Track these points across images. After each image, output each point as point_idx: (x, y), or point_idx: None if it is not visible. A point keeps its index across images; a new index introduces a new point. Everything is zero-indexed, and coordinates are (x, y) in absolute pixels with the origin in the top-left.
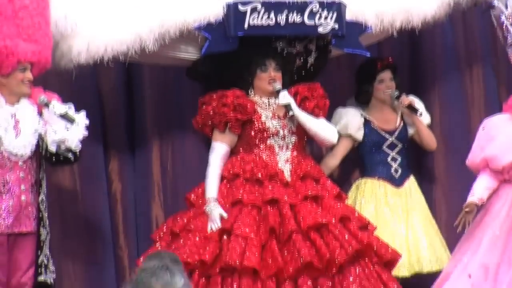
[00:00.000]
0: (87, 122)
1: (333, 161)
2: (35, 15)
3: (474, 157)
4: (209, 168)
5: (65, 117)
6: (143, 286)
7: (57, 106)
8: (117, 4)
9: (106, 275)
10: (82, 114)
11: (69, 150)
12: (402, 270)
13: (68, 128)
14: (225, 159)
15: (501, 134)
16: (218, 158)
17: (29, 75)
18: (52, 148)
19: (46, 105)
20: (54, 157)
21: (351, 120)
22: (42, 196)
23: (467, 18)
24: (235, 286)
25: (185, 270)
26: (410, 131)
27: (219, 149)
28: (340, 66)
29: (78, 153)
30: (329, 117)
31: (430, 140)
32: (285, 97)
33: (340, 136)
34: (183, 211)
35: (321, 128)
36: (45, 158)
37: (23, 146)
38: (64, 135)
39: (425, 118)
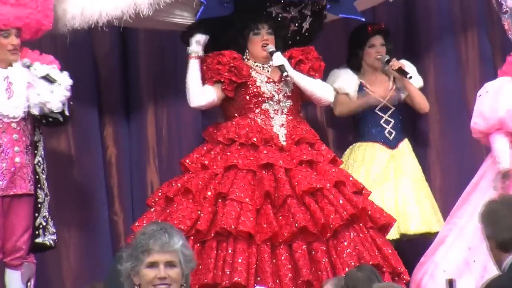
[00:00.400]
0: (70, 82)
1: (342, 108)
2: None
3: (483, 120)
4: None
5: (47, 78)
6: (142, 248)
7: (39, 68)
8: None
9: (101, 240)
10: (65, 75)
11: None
12: (391, 232)
13: (52, 90)
14: (205, 96)
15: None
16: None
17: (13, 40)
18: (35, 111)
19: (28, 67)
20: (43, 119)
21: (349, 79)
22: (38, 158)
23: None
24: (230, 250)
25: None
26: (402, 95)
27: (205, 88)
28: (335, 31)
29: (67, 113)
30: (324, 80)
31: (422, 102)
32: (278, 58)
33: (338, 94)
34: (178, 176)
35: (317, 87)
36: (36, 120)
37: (15, 107)
38: (45, 97)
39: (417, 81)
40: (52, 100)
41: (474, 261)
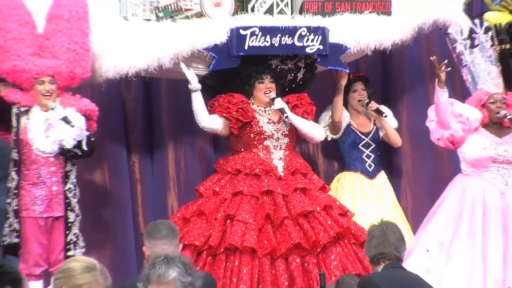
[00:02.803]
0: (84, 123)
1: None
2: (62, 35)
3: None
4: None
5: (64, 119)
6: (145, 277)
7: (59, 111)
8: (140, 30)
9: (127, 256)
10: (81, 117)
11: (76, 146)
12: None
13: (67, 131)
14: (211, 121)
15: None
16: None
17: (46, 87)
18: (54, 147)
19: (52, 109)
20: (67, 153)
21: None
22: (69, 185)
23: (430, 39)
24: (236, 262)
25: (195, 251)
26: (381, 133)
27: (213, 117)
28: (325, 79)
29: (85, 148)
30: (315, 121)
31: (395, 138)
32: (279, 103)
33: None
34: (194, 201)
35: (310, 127)
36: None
37: (51, 146)
38: (61, 136)
39: (392, 122)
40: (66, 138)
41: (428, 250)
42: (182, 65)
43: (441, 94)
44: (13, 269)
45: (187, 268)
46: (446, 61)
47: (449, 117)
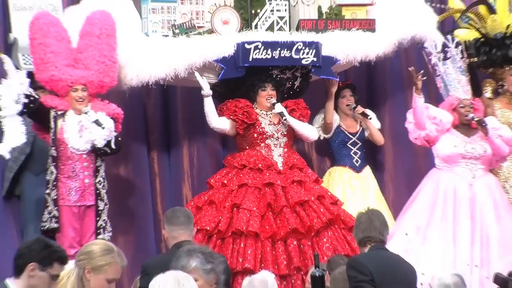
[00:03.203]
0: (112, 125)
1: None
2: (93, 49)
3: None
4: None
5: (96, 122)
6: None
7: (91, 114)
8: (159, 44)
9: (148, 238)
10: (110, 120)
11: (106, 145)
12: None
13: (98, 132)
14: (221, 122)
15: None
16: (216, 117)
17: (79, 94)
18: (87, 145)
19: (85, 113)
20: (98, 151)
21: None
22: (99, 178)
23: (408, 52)
24: (242, 244)
25: (206, 234)
26: (366, 133)
27: (222, 119)
28: (318, 86)
29: (113, 146)
30: (310, 123)
31: (378, 138)
32: (279, 107)
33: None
34: (205, 192)
35: (305, 129)
36: (95, 152)
37: (84, 144)
38: (93, 136)
39: (376, 123)
40: (97, 138)
41: (406, 233)
42: (196, 74)
43: (418, 100)
44: (60, 248)
45: (207, 256)
46: (422, 71)
47: (425, 119)
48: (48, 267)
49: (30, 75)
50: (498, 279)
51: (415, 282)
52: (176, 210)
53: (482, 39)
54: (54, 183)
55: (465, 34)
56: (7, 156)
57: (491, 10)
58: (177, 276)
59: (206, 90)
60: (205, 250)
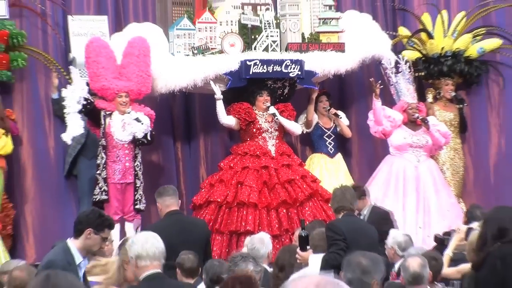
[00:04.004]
0: (149, 122)
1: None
2: (132, 65)
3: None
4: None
5: (136, 119)
6: (230, 272)
7: (133, 114)
8: (182, 62)
9: None
10: (147, 118)
11: (143, 137)
12: None
13: (138, 127)
14: (228, 120)
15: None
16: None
17: (123, 99)
18: (129, 137)
19: (128, 113)
20: (136, 142)
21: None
22: (137, 162)
23: (370, 67)
24: (244, 212)
25: (217, 205)
26: (338, 129)
27: (229, 117)
28: (301, 93)
29: (149, 138)
30: (295, 121)
31: (347, 132)
32: (272, 109)
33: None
34: (216, 173)
35: (292, 125)
36: (134, 142)
37: (126, 136)
38: (133, 130)
39: (345, 121)
40: (138, 132)
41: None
42: (211, 83)
43: (377, 103)
44: (109, 217)
45: (255, 260)
46: (380, 81)
47: (382, 118)
48: (100, 232)
49: (86, 84)
50: (436, 238)
51: (376, 240)
52: (165, 187)
53: (423, 58)
54: (104, 165)
55: (411, 54)
56: (69, 142)
57: (430, 36)
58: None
59: (218, 94)
60: (253, 255)
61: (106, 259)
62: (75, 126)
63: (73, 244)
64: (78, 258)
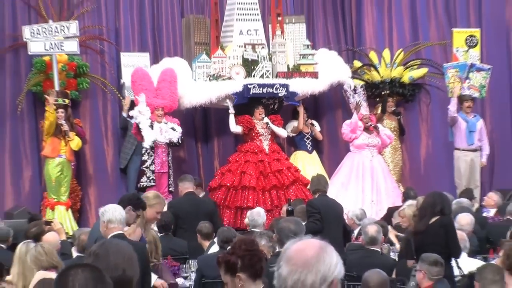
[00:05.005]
0: (180, 130)
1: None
2: (165, 88)
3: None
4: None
5: (172, 128)
6: None
7: (169, 124)
8: (201, 85)
9: None
10: (179, 127)
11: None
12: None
13: (174, 133)
14: (237, 128)
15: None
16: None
17: (159, 113)
18: (166, 140)
19: (165, 124)
20: (170, 144)
21: (294, 122)
22: (170, 157)
23: (337, 89)
24: (246, 193)
25: (227, 188)
26: (313, 133)
27: (238, 126)
28: (287, 108)
29: (180, 142)
30: (283, 127)
31: (319, 136)
32: (266, 119)
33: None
34: (226, 165)
35: (280, 131)
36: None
37: (164, 139)
38: (170, 136)
39: (318, 128)
40: (173, 137)
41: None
42: (228, 102)
43: (355, 117)
44: (143, 199)
45: (269, 238)
46: (361, 103)
47: (357, 128)
48: (136, 210)
49: (133, 102)
50: (388, 210)
51: (342, 214)
52: (185, 175)
53: (368, 83)
54: (151, 160)
55: (356, 81)
56: (148, 147)
57: (375, 68)
58: None
59: (232, 110)
60: (268, 234)
61: None
62: (150, 135)
63: None
64: None
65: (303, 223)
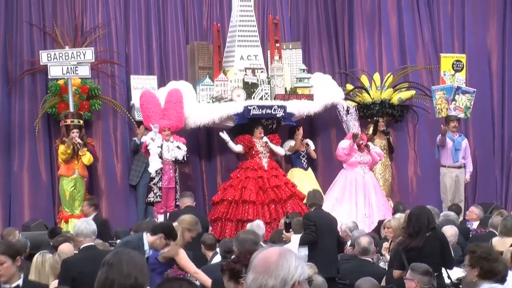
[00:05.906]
0: (185, 148)
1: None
2: (172, 109)
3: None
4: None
5: (177, 147)
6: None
7: (175, 143)
8: (204, 106)
9: (199, 204)
10: (184, 145)
11: (182, 158)
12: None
13: (178, 152)
14: (238, 148)
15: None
16: (235, 144)
17: (166, 132)
18: (172, 158)
19: (172, 142)
20: (177, 161)
21: (291, 141)
22: (176, 174)
23: (331, 110)
24: (247, 207)
25: (229, 202)
26: (308, 151)
27: (238, 145)
28: (284, 128)
29: (185, 159)
30: (281, 146)
31: (313, 154)
32: (265, 138)
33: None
34: (228, 181)
35: (278, 149)
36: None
37: (170, 156)
38: (175, 154)
39: (312, 147)
40: (178, 155)
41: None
42: (223, 134)
43: (352, 143)
44: (176, 232)
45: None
46: (360, 133)
47: (352, 151)
48: (167, 240)
49: (141, 122)
50: (379, 223)
51: (336, 226)
52: (185, 192)
53: (360, 104)
54: (158, 177)
55: (354, 101)
56: (153, 174)
57: (366, 90)
58: None
59: (227, 140)
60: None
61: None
62: (156, 163)
63: (147, 238)
64: (146, 247)
65: (261, 234)
